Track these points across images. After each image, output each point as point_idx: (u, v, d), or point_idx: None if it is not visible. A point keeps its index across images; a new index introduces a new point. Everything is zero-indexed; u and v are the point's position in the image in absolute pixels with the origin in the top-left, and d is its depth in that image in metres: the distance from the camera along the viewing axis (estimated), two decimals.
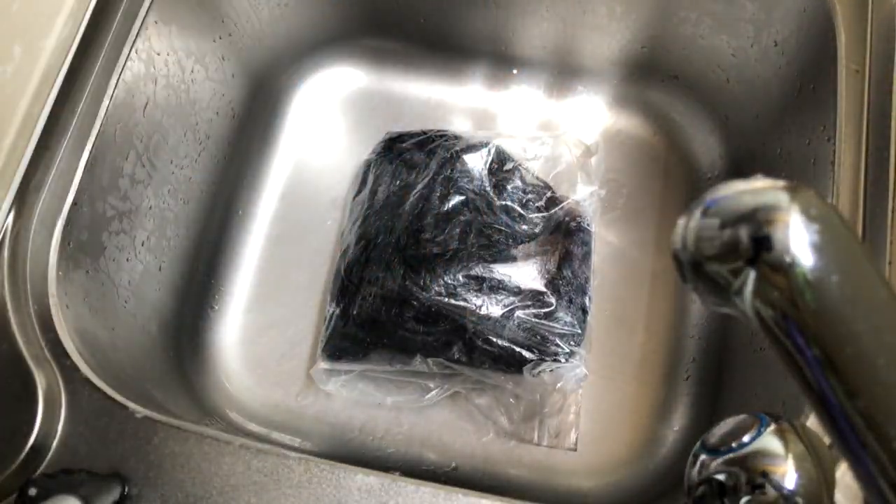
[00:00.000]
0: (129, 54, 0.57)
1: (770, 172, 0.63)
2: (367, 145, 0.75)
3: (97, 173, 0.55)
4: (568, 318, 0.61)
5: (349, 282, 0.64)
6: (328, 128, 0.78)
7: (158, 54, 0.60)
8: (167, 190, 0.63)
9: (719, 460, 0.31)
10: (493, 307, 0.60)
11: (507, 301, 0.60)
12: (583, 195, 0.68)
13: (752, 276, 0.21)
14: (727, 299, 0.23)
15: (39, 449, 0.45)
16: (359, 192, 0.70)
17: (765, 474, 0.29)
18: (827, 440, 0.31)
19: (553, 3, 0.70)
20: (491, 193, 0.65)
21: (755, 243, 0.21)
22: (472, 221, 0.63)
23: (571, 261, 0.64)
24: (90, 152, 0.54)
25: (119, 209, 0.58)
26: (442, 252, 0.62)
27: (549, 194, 0.67)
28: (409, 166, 0.68)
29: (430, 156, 0.69)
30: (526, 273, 0.62)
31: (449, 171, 0.67)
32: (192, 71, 0.65)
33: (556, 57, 0.75)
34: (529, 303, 0.61)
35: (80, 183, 0.53)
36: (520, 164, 0.69)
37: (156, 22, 0.59)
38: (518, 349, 0.59)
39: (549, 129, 0.76)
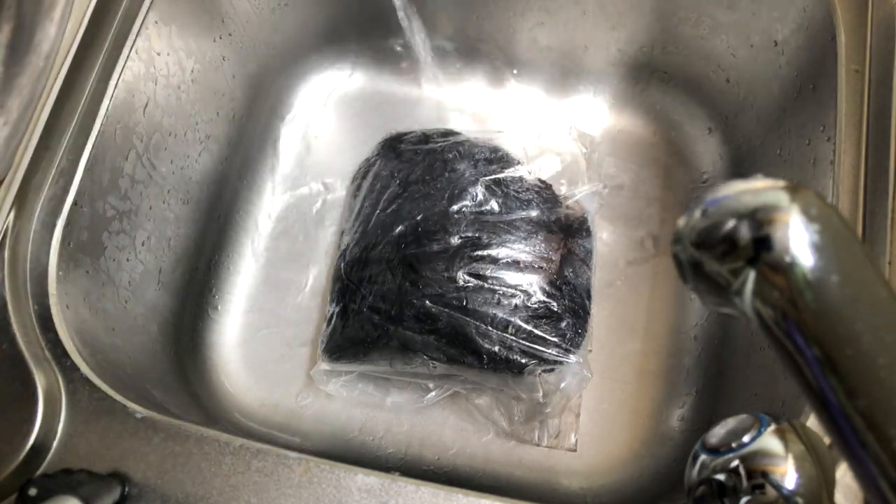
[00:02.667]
0: (129, 54, 0.57)
1: (770, 172, 0.63)
2: (367, 145, 0.75)
3: (97, 173, 0.55)
4: (569, 319, 0.61)
5: (349, 281, 0.64)
6: (328, 128, 0.78)
7: (158, 54, 0.60)
8: (167, 190, 0.63)
9: (719, 460, 0.31)
10: (493, 307, 0.60)
11: (507, 301, 0.60)
12: (583, 195, 0.68)
13: (751, 276, 0.21)
14: (727, 299, 0.23)
15: (39, 449, 0.45)
16: (359, 191, 0.70)
17: (765, 474, 0.29)
18: (827, 440, 0.31)
19: (553, 4, 0.70)
20: (491, 193, 0.65)
21: (755, 243, 0.21)
22: (472, 222, 0.63)
23: (572, 261, 0.64)
24: (90, 152, 0.54)
25: (119, 209, 0.58)
26: (442, 252, 0.62)
27: (549, 194, 0.67)
28: (410, 166, 0.68)
29: (430, 156, 0.69)
30: (527, 274, 0.62)
31: (449, 171, 0.67)
32: (192, 71, 0.65)
33: (556, 57, 0.75)
34: (530, 304, 0.61)
35: (80, 183, 0.53)
36: (520, 164, 0.69)
37: (156, 22, 0.59)
38: (519, 349, 0.59)
39: (550, 129, 0.76)
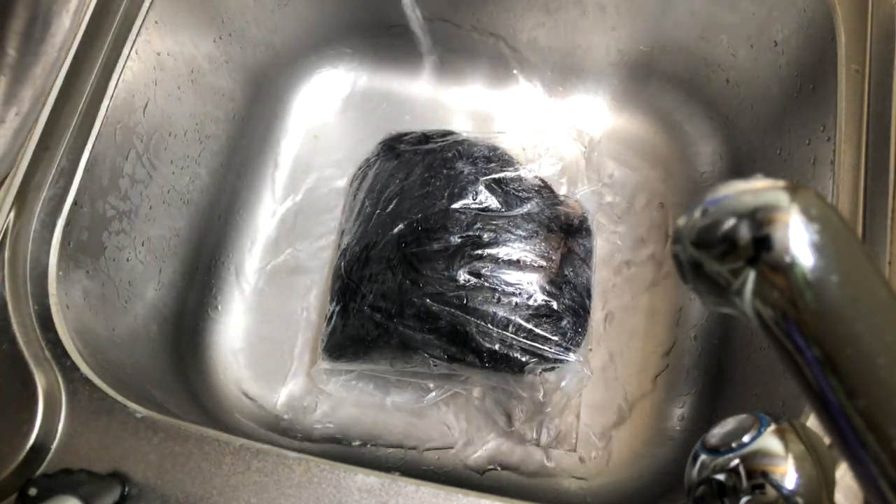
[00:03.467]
0: (129, 54, 0.57)
1: (770, 172, 0.63)
2: (367, 145, 0.75)
3: (97, 173, 0.55)
4: (569, 318, 0.61)
5: (349, 280, 0.64)
6: (328, 128, 0.78)
7: (158, 54, 0.60)
8: (167, 190, 0.63)
9: (719, 460, 0.31)
10: (493, 306, 0.60)
11: (507, 300, 0.60)
12: (583, 194, 0.69)
13: (751, 276, 0.21)
14: (727, 299, 0.23)
15: (39, 449, 0.45)
16: (358, 191, 0.70)
17: (765, 474, 0.29)
18: (827, 440, 0.31)
19: (553, 4, 0.70)
20: (491, 194, 0.65)
21: (755, 243, 0.21)
22: (472, 221, 0.63)
23: (572, 260, 0.64)
24: (90, 152, 0.54)
25: (119, 209, 0.58)
26: (442, 250, 0.62)
27: (549, 194, 0.67)
28: (409, 166, 0.69)
29: (429, 156, 0.69)
30: (527, 273, 0.62)
31: (449, 170, 0.67)
32: (193, 71, 0.65)
33: (556, 57, 0.75)
34: (530, 303, 0.61)
35: (80, 183, 0.53)
36: (520, 164, 0.69)
37: (156, 22, 0.59)
38: (519, 348, 0.59)
39: (550, 129, 0.76)
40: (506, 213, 0.65)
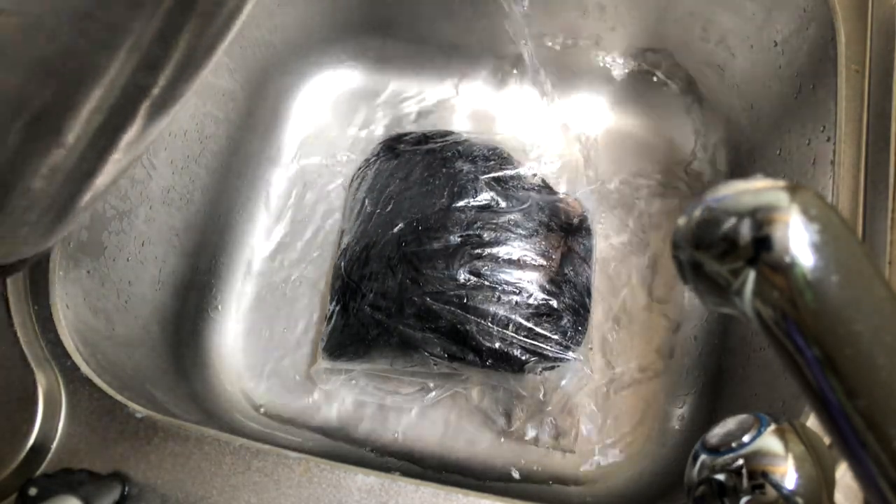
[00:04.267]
0: None
1: (770, 172, 0.63)
2: (367, 145, 0.75)
3: None
4: (569, 317, 0.61)
5: (349, 280, 0.64)
6: (328, 128, 0.78)
7: None
8: (167, 190, 0.63)
9: (719, 460, 0.31)
10: (493, 305, 0.60)
11: (507, 299, 0.60)
12: (583, 194, 0.69)
13: (751, 276, 0.21)
14: (727, 299, 0.23)
15: (39, 449, 0.45)
16: (358, 191, 0.70)
17: (765, 474, 0.29)
18: (827, 440, 0.31)
19: (553, 4, 0.70)
20: (491, 193, 0.65)
21: (755, 243, 0.21)
22: (472, 220, 0.63)
23: (572, 259, 0.64)
24: None
25: (119, 209, 0.58)
26: (442, 249, 0.62)
27: (549, 193, 0.67)
28: (409, 166, 0.69)
29: (429, 155, 0.69)
30: (527, 271, 0.62)
31: (448, 169, 0.67)
32: None
33: (556, 57, 0.75)
34: (530, 301, 0.61)
35: None
36: (520, 164, 0.69)
37: None
38: (520, 346, 0.59)
39: (550, 128, 0.76)
40: (506, 212, 0.65)
